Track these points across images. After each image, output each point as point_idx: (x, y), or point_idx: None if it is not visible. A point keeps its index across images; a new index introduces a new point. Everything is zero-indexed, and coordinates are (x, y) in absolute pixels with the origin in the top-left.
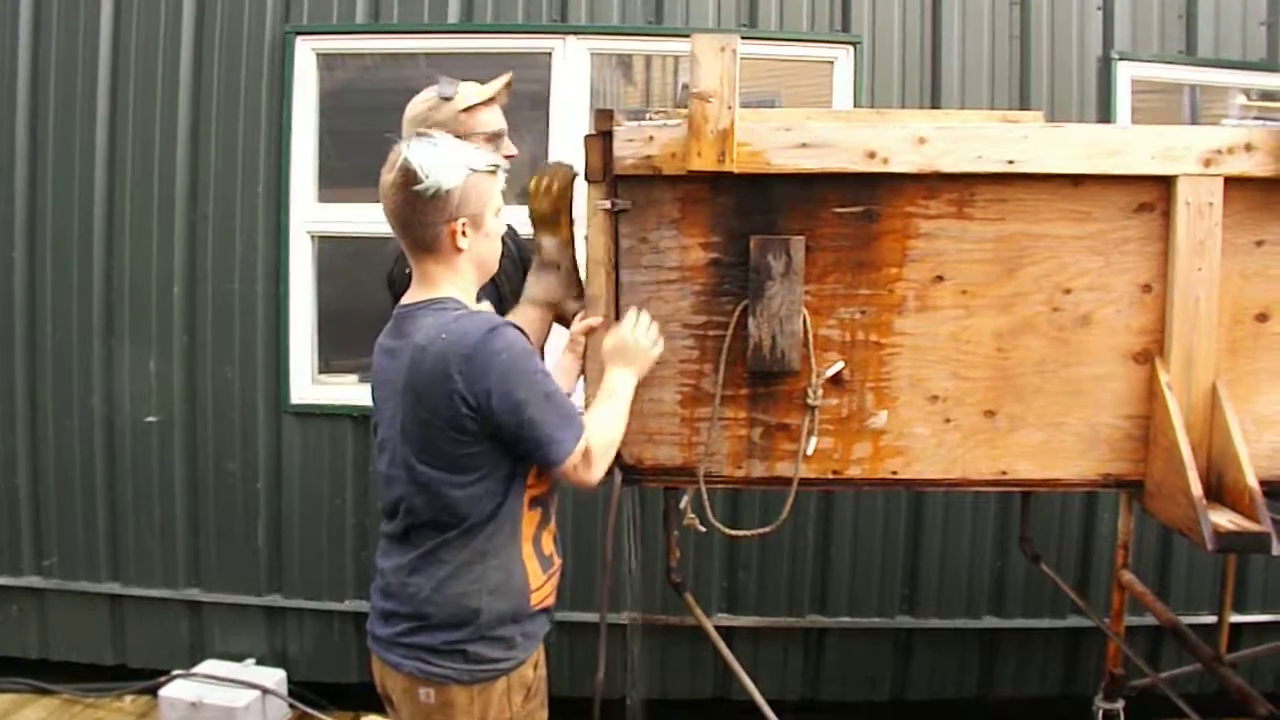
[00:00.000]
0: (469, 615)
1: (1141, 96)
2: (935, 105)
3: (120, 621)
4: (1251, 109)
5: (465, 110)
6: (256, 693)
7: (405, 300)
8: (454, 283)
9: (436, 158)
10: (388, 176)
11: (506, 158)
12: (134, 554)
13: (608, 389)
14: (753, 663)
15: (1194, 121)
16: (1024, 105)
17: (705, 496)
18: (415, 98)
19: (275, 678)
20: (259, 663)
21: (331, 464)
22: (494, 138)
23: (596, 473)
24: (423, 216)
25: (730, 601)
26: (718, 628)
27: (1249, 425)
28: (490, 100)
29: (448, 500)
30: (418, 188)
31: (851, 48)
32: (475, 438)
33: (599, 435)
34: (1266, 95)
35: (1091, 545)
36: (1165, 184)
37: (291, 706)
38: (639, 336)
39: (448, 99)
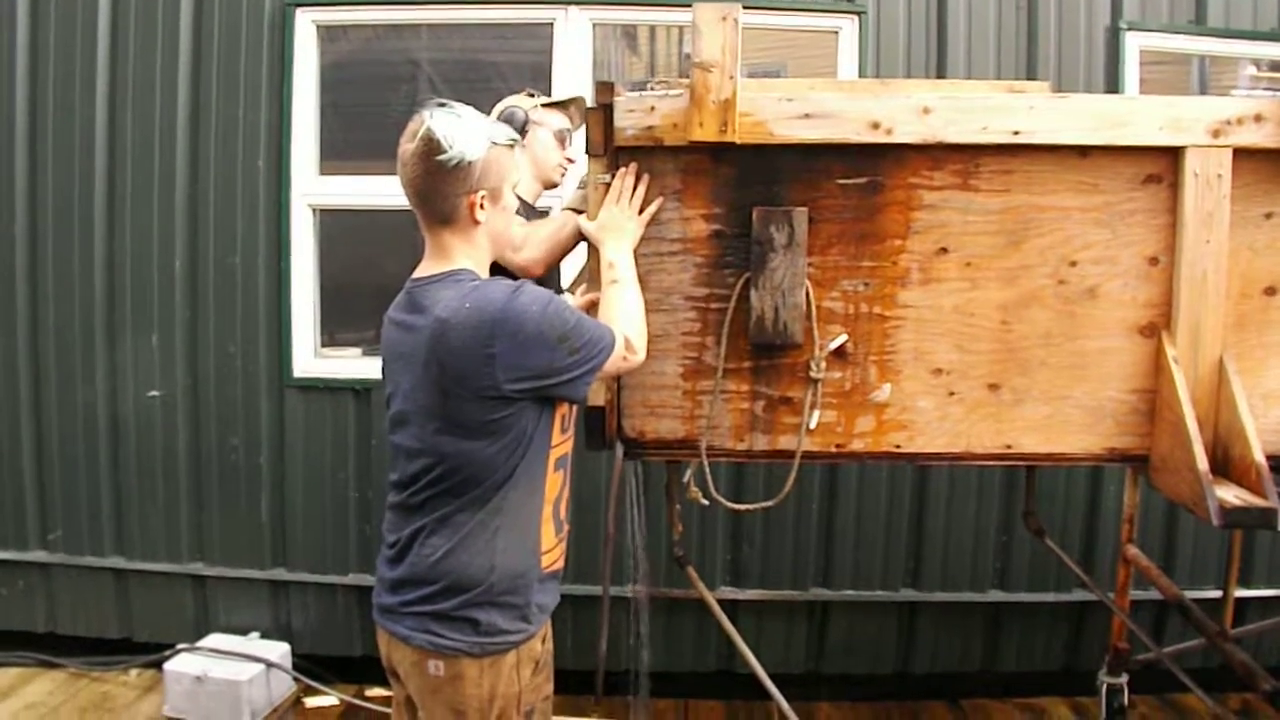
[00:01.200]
0: (481, 575)
1: (1150, 68)
2: (941, 76)
3: (125, 595)
4: (1262, 79)
5: (545, 105)
6: (261, 666)
7: (418, 273)
8: (470, 255)
9: (460, 128)
10: (408, 146)
11: (568, 160)
12: (138, 528)
13: (610, 275)
14: (757, 636)
15: (1203, 92)
16: (1031, 76)
17: (707, 470)
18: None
19: (279, 651)
20: (263, 636)
21: (334, 437)
22: (561, 134)
23: (641, 352)
24: (443, 187)
25: (734, 575)
26: (721, 601)
27: (1256, 400)
28: (566, 105)
29: (471, 467)
30: (440, 157)
31: (856, 17)
32: (509, 400)
33: (627, 321)
34: (1277, 66)
35: (1097, 519)
36: (1173, 155)
37: (295, 680)
38: (624, 207)
39: (533, 95)
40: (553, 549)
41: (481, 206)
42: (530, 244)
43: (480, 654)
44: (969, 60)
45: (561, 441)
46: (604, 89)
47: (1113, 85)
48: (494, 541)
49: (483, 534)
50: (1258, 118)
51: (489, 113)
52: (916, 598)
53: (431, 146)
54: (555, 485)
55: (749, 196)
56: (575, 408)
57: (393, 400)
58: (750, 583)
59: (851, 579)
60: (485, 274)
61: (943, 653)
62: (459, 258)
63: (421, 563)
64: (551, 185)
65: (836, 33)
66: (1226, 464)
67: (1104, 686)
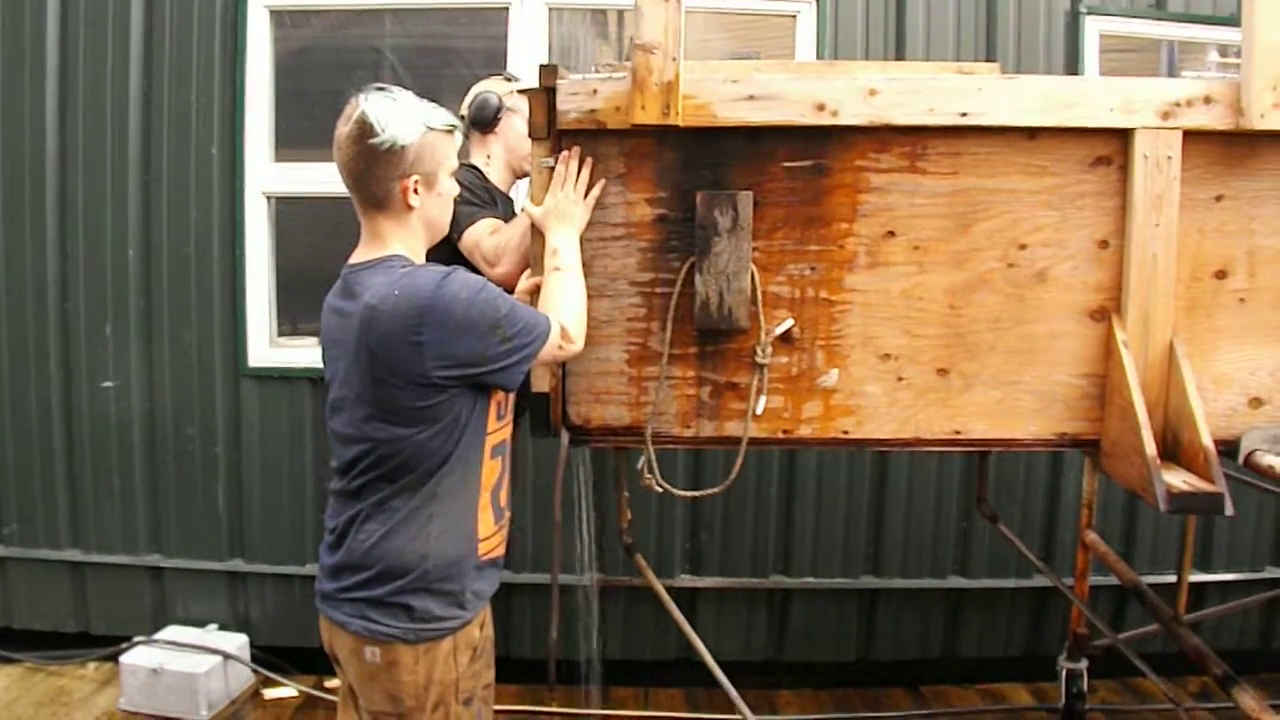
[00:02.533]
0: (415, 561)
1: (1116, 54)
2: (900, 60)
3: (82, 589)
4: (1229, 66)
5: (520, 91)
6: (218, 658)
7: (353, 259)
8: (403, 241)
9: (394, 112)
10: (343, 129)
11: None
12: (94, 520)
13: (553, 261)
14: (716, 624)
15: None
16: (990, 60)
17: (653, 457)
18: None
19: (237, 643)
20: (222, 628)
21: (291, 427)
22: None
23: (578, 341)
24: (376, 171)
25: (693, 563)
26: (680, 589)
27: (1206, 384)
28: None
29: (405, 453)
30: (373, 141)
31: (814, 2)
32: (439, 388)
33: (566, 309)
34: None
35: (1057, 505)
36: (1123, 137)
37: (254, 671)
38: (569, 192)
39: (510, 79)
40: (491, 536)
41: (415, 191)
42: (505, 257)
43: (415, 640)
44: (928, 45)
45: (498, 429)
46: (547, 72)
47: (1073, 70)
48: (428, 528)
49: (416, 520)
50: (1207, 99)
51: (464, 97)
52: (877, 584)
53: (364, 129)
54: (492, 472)
55: (693, 180)
56: (512, 395)
57: (331, 386)
58: (709, 570)
59: (811, 566)
60: (419, 260)
61: (904, 639)
62: (392, 243)
63: (357, 548)
64: (524, 174)
65: (795, 16)
66: (1176, 449)
67: (1064, 671)
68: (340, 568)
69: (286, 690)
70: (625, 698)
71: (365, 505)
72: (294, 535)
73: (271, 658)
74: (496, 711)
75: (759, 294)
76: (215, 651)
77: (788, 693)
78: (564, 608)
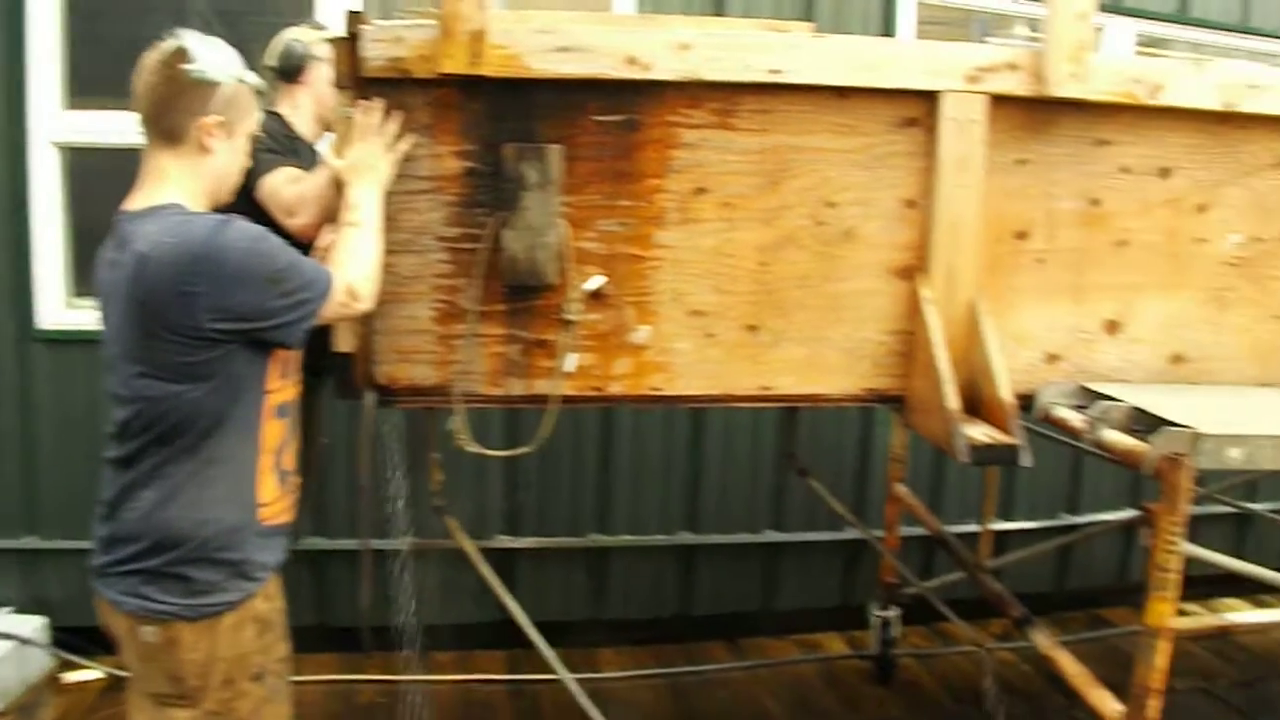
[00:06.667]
0: (192, 528)
1: (931, 28)
2: (720, 17)
3: None
4: (1037, 39)
5: (328, 40)
6: (11, 644)
7: (126, 205)
8: (186, 187)
9: (210, 49)
10: (152, 55)
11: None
12: None
13: (352, 215)
14: (536, 584)
15: None
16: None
17: (462, 416)
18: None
19: (35, 625)
20: (18, 611)
21: (88, 394)
22: None
23: (368, 299)
24: (179, 102)
25: (511, 523)
26: (498, 550)
27: (1007, 341)
28: None
29: (178, 413)
30: (185, 65)
31: None
32: (213, 342)
33: (356, 265)
34: None
35: (869, 458)
36: (930, 100)
37: (54, 655)
38: (372, 145)
39: (318, 28)
40: (274, 502)
41: (212, 134)
42: (304, 209)
43: (194, 616)
44: (746, 2)
45: (281, 387)
46: (353, 18)
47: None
48: (204, 493)
49: (192, 485)
50: (1011, 66)
51: (268, 44)
52: (694, 540)
53: (177, 55)
54: (275, 434)
55: (502, 133)
56: (298, 353)
57: (105, 344)
58: (527, 531)
59: (629, 524)
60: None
61: (722, 594)
62: (173, 188)
63: (131, 517)
64: (331, 126)
65: None
66: (978, 403)
67: (876, 620)
68: (114, 540)
69: (91, 673)
70: (445, 662)
71: (139, 472)
72: (93, 510)
73: (75, 640)
74: (314, 683)
75: (568, 250)
76: (9, 636)
77: (609, 650)
78: (379, 573)
